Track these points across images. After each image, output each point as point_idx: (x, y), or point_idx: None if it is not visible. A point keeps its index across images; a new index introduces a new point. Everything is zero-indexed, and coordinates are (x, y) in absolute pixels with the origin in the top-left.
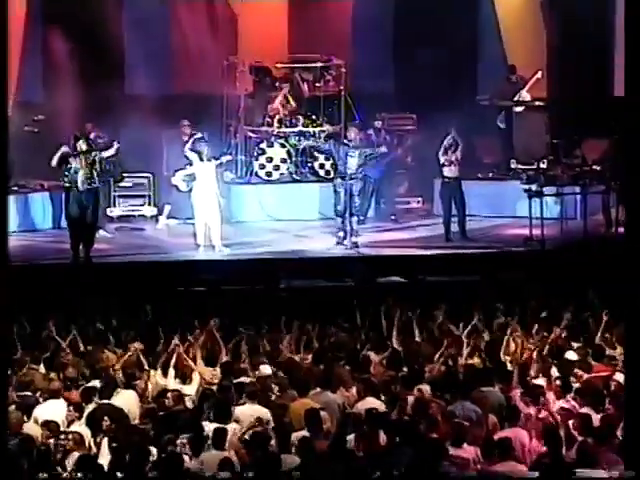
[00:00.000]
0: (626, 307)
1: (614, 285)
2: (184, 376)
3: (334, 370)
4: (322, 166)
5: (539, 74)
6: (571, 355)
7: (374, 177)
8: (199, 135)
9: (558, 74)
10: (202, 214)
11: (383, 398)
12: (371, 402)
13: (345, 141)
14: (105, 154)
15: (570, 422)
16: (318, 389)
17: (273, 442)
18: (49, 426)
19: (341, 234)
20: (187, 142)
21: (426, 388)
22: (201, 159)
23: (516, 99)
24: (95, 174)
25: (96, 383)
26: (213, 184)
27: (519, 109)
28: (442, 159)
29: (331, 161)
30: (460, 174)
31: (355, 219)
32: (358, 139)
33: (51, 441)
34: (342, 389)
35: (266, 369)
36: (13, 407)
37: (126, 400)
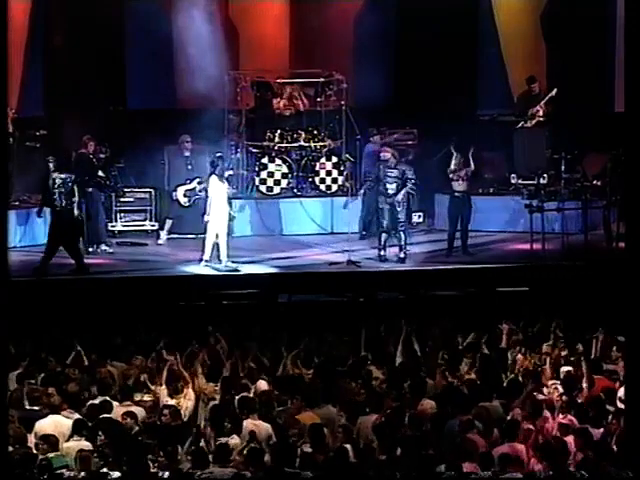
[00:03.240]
0: (626, 321)
1: (615, 299)
2: (181, 390)
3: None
4: (323, 181)
5: (554, 91)
6: (569, 369)
7: None
8: (218, 153)
9: (559, 89)
10: (214, 230)
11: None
12: (374, 416)
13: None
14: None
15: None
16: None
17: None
18: (48, 440)
19: (382, 252)
20: (188, 157)
21: (429, 402)
22: (220, 179)
23: (531, 112)
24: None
25: (97, 398)
26: (226, 201)
27: (524, 124)
28: (451, 174)
29: (332, 176)
30: (469, 189)
31: (402, 235)
32: (392, 157)
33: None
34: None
35: (263, 385)
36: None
37: (125, 414)
